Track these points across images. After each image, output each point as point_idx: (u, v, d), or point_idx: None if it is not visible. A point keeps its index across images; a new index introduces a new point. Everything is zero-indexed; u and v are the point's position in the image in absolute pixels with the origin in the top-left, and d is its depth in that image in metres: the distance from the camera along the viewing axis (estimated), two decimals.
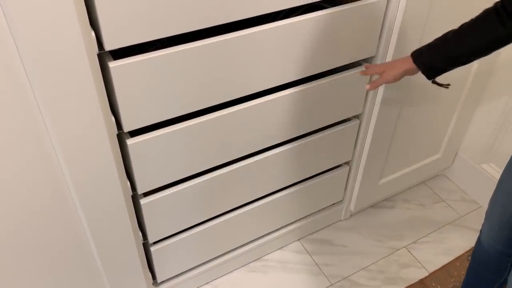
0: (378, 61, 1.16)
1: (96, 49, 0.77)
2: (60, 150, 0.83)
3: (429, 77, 0.96)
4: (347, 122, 1.29)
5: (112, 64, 0.80)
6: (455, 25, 0.91)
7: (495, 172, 1.59)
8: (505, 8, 0.81)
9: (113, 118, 0.87)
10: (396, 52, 1.13)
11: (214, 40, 0.88)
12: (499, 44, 0.86)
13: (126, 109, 0.87)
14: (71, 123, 0.80)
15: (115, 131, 0.88)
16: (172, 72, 0.87)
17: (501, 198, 0.99)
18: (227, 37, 0.90)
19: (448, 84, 1.02)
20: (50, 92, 0.75)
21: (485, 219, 1.07)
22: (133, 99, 0.86)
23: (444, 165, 1.73)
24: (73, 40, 0.72)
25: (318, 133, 1.25)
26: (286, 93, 1.08)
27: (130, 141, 0.91)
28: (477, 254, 1.12)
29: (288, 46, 0.99)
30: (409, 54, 0.97)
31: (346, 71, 1.15)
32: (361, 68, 1.14)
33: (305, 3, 0.95)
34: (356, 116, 1.31)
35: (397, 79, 1.00)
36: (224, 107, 1.02)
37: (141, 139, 0.92)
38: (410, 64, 0.96)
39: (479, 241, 1.10)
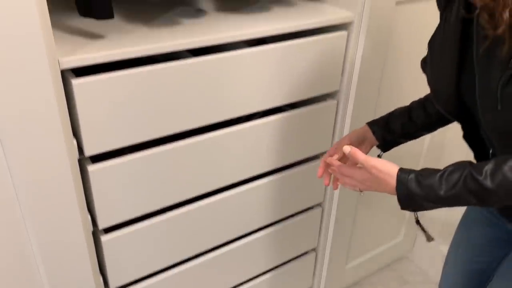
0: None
1: (77, 155, 0.86)
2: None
3: (383, 150, 1.01)
4: (310, 210, 1.38)
5: (91, 168, 0.89)
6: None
7: None
8: (426, 100, 0.96)
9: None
10: None
11: (183, 144, 0.99)
12: (434, 128, 0.99)
13: (99, 200, 0.92)
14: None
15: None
16: (144, 171, 0.96)
17: (449, 272, 1.06)
18: (194, 140, 1.00)
19: (433, 239, 1.07)
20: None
21: None
22: (108, 195, 0.93)
23: (406, 248, 1.81)
24: (58, 149, 0.80)
25: (282, 222, 1.32)
26: (253, 186, 1.17)
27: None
28: None
29: (252, 144, 1.10)
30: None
31: (307, 163, 1.26)
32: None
33: (268, 108, 1.08)
34: (318, 204, 1.40)
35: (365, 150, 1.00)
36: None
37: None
38: (369, 133, 0.99)
39: None
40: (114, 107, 0.87)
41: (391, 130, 0.99)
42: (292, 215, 1.34)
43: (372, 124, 1.01)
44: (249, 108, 1.06)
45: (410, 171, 0.75)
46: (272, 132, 1.13)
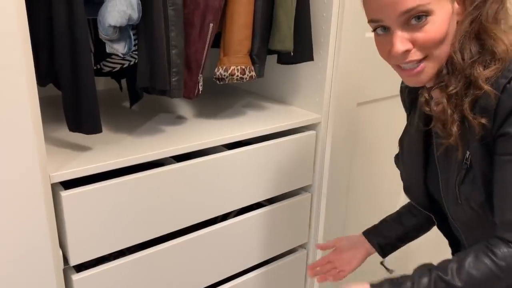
0: (311, 248, 1.32)
1: (62, 265, 0.87)
2: None
3: (383, 256, 1.04)
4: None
5: (75, 277, 0.89)
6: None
7: None
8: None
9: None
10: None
11: (167, 246, 1.01)
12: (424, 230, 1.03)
13: None
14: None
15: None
16: (129, 278, 0.96)
17: None
18: (179, 241, 1.03)
19: (393, 270, 1.10)
20: None
21: None
22: None
23: None
24: (44, 260, 0.81)
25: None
26: (236, 283, 1.18)
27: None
28: None
29: (232, 241, 1.13)
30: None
31: (288, 256, 1.29)
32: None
33: (248, 204, 1.13)
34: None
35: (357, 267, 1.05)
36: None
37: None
38: (368, 245, 1.03)
39: None
40: (100, 215, 0.90)
41: (387, 237, 1.03)
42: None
43: (367, 234, 1.05)
44: (229, 207, 1.11)
45: (381, 284, 0.77)
46: (252, 227, 1.17)
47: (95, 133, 0.87)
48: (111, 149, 0.94)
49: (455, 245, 0.96)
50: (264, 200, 1.23)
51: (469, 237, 0.85)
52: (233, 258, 1.16)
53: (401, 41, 0.70)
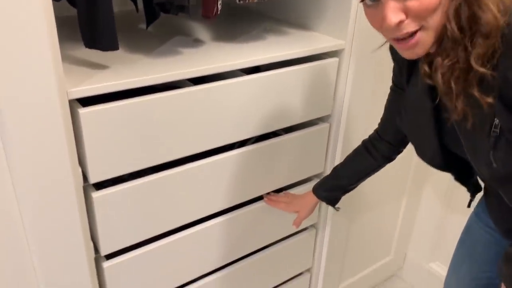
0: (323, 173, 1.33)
1: (81, 182, 0.88)
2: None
3: (332, 205, 1.19)
4: (304, 231, 1.40)
5: (95, 195, 0.91)
6: None
7: (443, 270, 1.72)
8: (371, 142, 1.07)
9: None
10: None
11: (183, 169, 1.02)
12: (376, 170, 1.11)
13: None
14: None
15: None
16: (146, 197, 0.98)
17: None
18: (194, 165, 1.03)
19: (339, 208, 1.23)
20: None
21: None
22: (110, 221, 0.95)
23: (396, 266, 1.84)
24: (64, 177, 0.82)
25: (277, 244, 1.34)
26: (250, 209, 1.20)
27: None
28: None
29: (249, 168, 1.13)
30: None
31: (302, 185, 1.29)
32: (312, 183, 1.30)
33: (264, 133, 1.12)
34: (312, 226, 1.43)
35: (311, 213, 1.25)
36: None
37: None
38: (315, 199, 1.20)
39: None
40: (118, 135, 0.89)
41: (335, 190, 1.17)
42: (286, 237, 1.37)
43: (316, 189, 1.19)
44: (247, 133, 1.10)
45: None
46: (268, 156, 1.17)
47: (112, 50, 0.85)
48: (128, 69, 0.91)
49: (476, 190, 0.96)
50: (280, 130, 1.22)
51: (505, 191, 0.78)
52: (248, 185, 1.17)
53: (393, 11, 0.64)
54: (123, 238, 1.00)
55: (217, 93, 1.00)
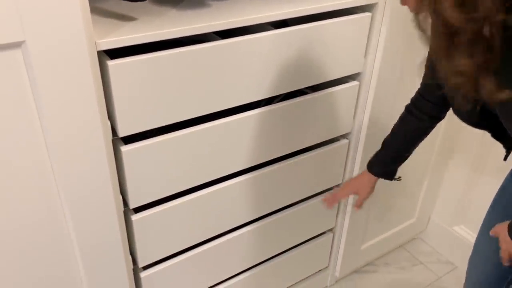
0: (353, 139, 1.31)
1: (110, 136, 0.88)
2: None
3: (390, 179, 1.17)
4: (328, 191, 1.40)
5: (124, 149, 0.91)
6: None
7: (467, 234, 1.71)
8: (415, 105, 1.03)
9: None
10: (370, 125, 1.28)
11: (211, 125, 1.01)
12: (427, 132, 1.07)
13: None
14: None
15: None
16: (175, 152, 0.98)
17: (477, 259, 1.08)
18: (221, 122, 1.03)
19: (400, 177, 1.21)
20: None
21: (466, 279, 1.13)
22: (139, 175, 0.96)
23: (420, 229, 1.84)
24: (94, 130, 0.83)
25: (302, 203, 1.35)
26: (276, 167, 1.19)
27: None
28: None
29: (277, 126, 1.12)
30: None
31: (327, 145, 1.28)
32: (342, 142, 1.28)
33: (291, 90, 1.10)
34: (337, 186, 1.42)
35: (372, 191, 1.22)
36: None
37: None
38: (372, 177, 1.17)
39: None
40: (146, 89, 0.88)
41: (389, 163, 1.14)
42: (311, 196, 1.37)
43: (370, 167, 1.17)
44: (274, 90, 1.07)
45: None
46: (295, 115, 1.15)
47: (140, 0, 0.82)
48: (156, 21, 0.89)
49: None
50: (306, 88, 1.19)
51: None
52: (275, 143, 1.16)
53: None
54: (151, 192, 1.01)
55: (244, 48, 0.97)
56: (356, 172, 1.39)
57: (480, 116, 0.84)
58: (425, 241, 1.88)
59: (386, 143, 1.13)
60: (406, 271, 1.75)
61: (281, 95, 1.13)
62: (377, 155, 1.16)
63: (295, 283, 1.56)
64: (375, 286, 1.68)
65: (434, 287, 1.69)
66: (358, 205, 1.23)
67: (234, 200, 1.16)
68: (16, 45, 0.70)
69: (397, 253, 1.82)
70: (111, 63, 0.82)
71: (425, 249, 1.85)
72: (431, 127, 1.07)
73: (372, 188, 1.20)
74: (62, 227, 0.92)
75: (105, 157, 0.87)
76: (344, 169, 1.38)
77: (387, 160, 1.14)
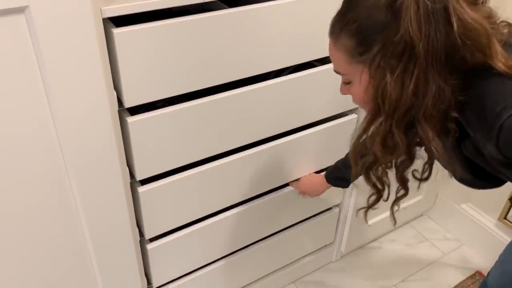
0: (362, 114, 1.28)
1: (116, 106, 0.87)
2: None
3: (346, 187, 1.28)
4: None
5: (130, 119, 0.90)
6: None
7: (474, 212, 1.70)
8: None
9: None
10: None
11: (219, 97, 1.00)
12: None
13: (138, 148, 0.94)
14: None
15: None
16: (181, 124, 0.97)
17: None
18: (230, 93, 1.01)
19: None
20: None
21: (499, 263, 1.03)
22: (146, 147, 0.95)
23: (426, 206, 1.83)
24: (100, 100, 0.82)
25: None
26: (285, 140, 1.18)
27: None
28: None
29: (287, 98, 1.10)
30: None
31: (338, 119, 1.26)
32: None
33: (300, 62, 1.08)
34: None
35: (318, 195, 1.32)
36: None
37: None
38: (327, 186, 1.27)
39: (485, 285, 1.06)
40: (153, 58, 0.87)
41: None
42: (318, 172, 1.36)
43: (328, 177, 1.24)
44: (283, 62, 1.06)
45: None
46: (303, 88, 1.13)
47: None
48: None
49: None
50: (315, 61, 1.17)
51: None
52: (284, 116, 1.14)
53: (341, 88, 0.82)
54: (157, 164, 1.00)
55: (252, 17, 0.95)
56: None
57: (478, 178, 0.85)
58: (432, 218, 1.87)
59: (347, 163, 1.10)
60: (412, 248, 1.75)
61: (290, 67, 1.11)
62: (336, 169, 1.23)
63: (301, 257, 1.56)
64: (380, 262, 1.68)
65: (439, 264, 1.69)
66: (296, 186, 1.31)
67: (241, 174, 1.16)
68: (19, 10, 0.68)
69: (403, 230, 1.82)
70: (117, 31, 0.80)
71: (431, 226, 1.84)
72: None
73: (321, 193, 1.30)
74: (69, 199, 0.92)
75: (111, 127, 0.86)
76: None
77: (343, 176, 1.19)
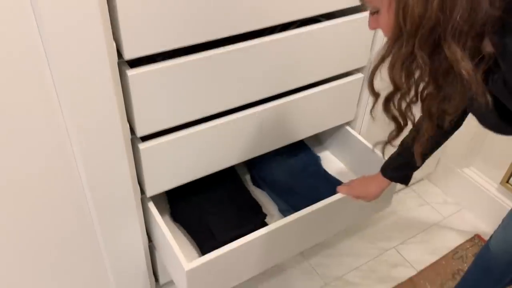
0: (367, 70, 1.25)
1: (116, 58, 0.83)
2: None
3: (405, 184, 1.10)
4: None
5: (130, 72, 0.87)
6: None
7: (476, 176, 1.69)
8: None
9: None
10: None
11: (221, 51, 0.96)
12: (445, 139, 1.02)
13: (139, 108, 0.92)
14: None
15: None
16: (183, 79, 0.94)
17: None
18: (233, 48, 0.97)
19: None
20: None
21: (502, 228, 1.03)
22: (147, 102, 0.92)
23: (428, 170, 1.82)
24: (98, 49, 0.78)
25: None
26: (288, 100, 1.16)
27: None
28: (483, 260, 1.09)
29: (293, 53, 1.07)
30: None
31: (344, 78, 1.23)
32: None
33: (305, 17, 1.04)
34: (348, 123, 1.39)
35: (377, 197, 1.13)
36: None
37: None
38: (384, 182, 1.10)
39: (487, 248, 1.07)
40: (154, 7, 0.83)
41: (404, 169, 1.06)
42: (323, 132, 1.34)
43: (384, 171, 1.10)
44: (290, 15, 1.02)
45: None
46: (308, 44, 1.09)
47: None
48: None
49: None
50: (321, 16, 1.12)
51: None
52: (287, 74, 1.11)
53: (370, 23, 0.74)
54: (158, 120, 0.98)
55: None
56: (369, 108, 1.35)
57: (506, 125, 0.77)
58: (432, 182, 1.87)
59: (402, 145, 1.04)
60: (412, 211, 1.75)
61: (296, 22, 1.07)
62: (393, 157, 1.08)
63: None
64: (380, 224, 1.69)
65: (438, 227, 1.70)
66: (347, 192, 1.14)
67: (244, 133, 1.14)
68: None
69: (404, 193, 1.82)
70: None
71: (432, 190, 1.84)
72: (450, 133, 1.03)
73: (380, 194, 1.12)
74: (69, 154, 0.90)
75: (110, 80, 0.83)
76: (358, 105, 1.34)
77: (402, 165, 1.06)
